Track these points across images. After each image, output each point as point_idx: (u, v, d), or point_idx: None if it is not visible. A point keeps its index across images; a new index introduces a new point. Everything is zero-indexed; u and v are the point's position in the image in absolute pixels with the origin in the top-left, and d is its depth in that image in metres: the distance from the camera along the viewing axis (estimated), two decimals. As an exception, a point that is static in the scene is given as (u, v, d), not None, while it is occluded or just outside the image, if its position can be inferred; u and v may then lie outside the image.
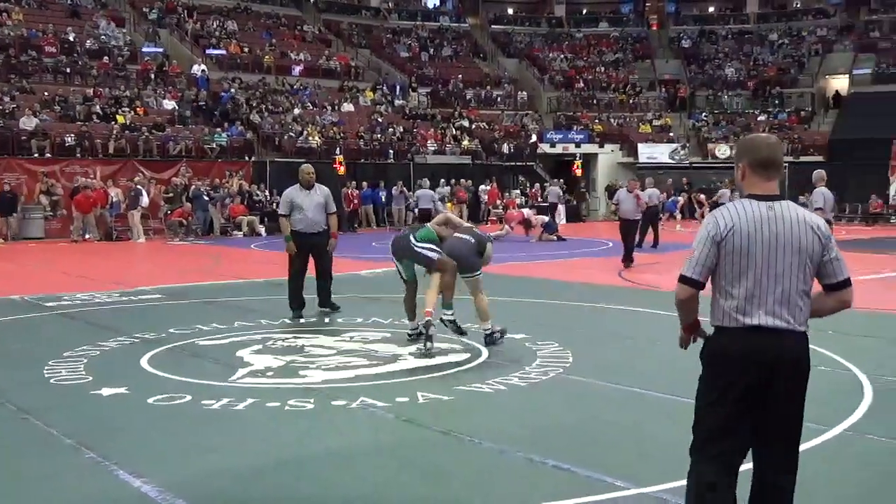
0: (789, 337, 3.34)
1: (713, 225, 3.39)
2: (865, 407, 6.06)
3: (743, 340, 3.34)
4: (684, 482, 4.64)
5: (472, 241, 8.45)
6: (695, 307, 3.47)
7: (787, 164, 33.18)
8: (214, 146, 27.66)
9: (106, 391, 6.56)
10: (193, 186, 24.39)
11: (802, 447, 3.58)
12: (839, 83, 41.25)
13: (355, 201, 27.65)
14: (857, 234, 24.84)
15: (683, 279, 3.43)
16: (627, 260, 16.35)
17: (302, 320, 9.91)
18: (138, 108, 28.46)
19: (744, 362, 3.32)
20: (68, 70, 29.67)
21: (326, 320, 9.96)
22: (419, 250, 8.27)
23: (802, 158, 34.81)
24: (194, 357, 7.89)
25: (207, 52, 34.89)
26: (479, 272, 8.40)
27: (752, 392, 3.34)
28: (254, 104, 31.36)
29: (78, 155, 24.92)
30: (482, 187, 31.52)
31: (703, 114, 41.20)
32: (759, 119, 39.91)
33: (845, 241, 21.76)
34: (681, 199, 30.25)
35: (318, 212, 10.09)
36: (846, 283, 3.44)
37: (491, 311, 8.39)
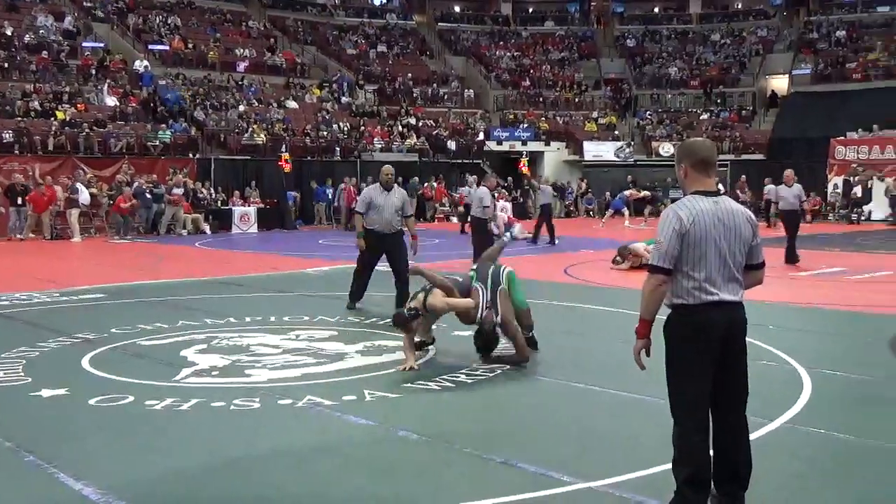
0: (738, 307, 3.97)
1: (676, 220, 3.86)
2: (805, 400, 6.19)
3: (708, 312, 3.87)
4: (630, 476, 4.70)
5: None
6: (664, 292, 3.91)
7: (728, 162, 33.53)
8: (157, 143, 27.26)
9: (46, 392, 6.43)
10: (136, 184, 23.99)
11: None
12: (779, 83, 42.05)
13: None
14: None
15: (655, 269, 3.90)
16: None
17: (355, 309, 10.25)
18: (79, 105, 27.91)
19: (711, 330, 3.87)
20: (6, 65, 28.99)
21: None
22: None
23: (744, 157, 35.44)
24: (137, 357, 7.76)
25: (150, 47, 34.35)
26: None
27: (717, 354, 3.89)
28: (198, 100, 30.96)
29: (16, 151, 24.37)
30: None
31: (648, 112, 41.71)
32: (701, 118, 40.50)
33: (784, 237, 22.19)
34: (628, 193, 30.32)
35: (395, 213, 10.26)
36: (763, 264, 4.11)
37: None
